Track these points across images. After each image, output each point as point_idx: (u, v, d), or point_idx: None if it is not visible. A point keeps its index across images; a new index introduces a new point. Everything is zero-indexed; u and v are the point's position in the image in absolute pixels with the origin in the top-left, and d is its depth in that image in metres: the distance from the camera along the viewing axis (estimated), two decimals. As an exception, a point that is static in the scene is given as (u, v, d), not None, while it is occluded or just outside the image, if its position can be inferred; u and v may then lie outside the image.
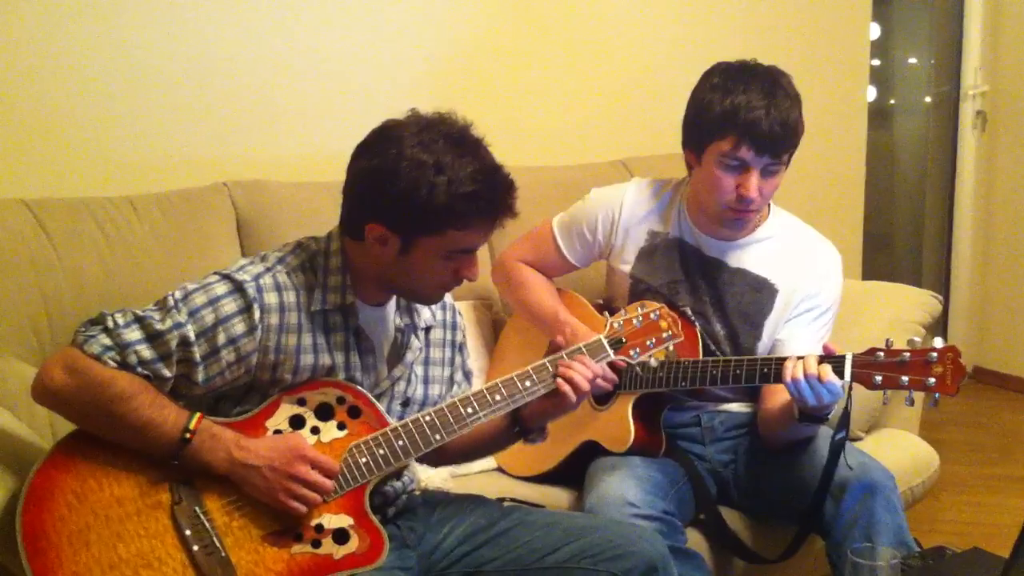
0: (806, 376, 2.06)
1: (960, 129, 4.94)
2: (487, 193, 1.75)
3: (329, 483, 1.75)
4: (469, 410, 1.86)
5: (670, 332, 2.02)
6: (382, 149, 1.77)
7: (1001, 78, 4.82)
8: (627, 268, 2.45)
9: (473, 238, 1.80)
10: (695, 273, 2.40)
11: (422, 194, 1.72)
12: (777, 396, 2.24)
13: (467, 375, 2.10)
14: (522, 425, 1.99)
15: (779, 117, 2.18)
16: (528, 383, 1.89)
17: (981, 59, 4.83)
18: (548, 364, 1.92)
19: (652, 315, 2.02)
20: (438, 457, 2.03)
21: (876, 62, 4.74)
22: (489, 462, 2.54)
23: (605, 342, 1.98)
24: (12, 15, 2.49)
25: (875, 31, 4.54)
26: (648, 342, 2.01)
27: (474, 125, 1.83)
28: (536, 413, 1.96)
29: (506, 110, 3.27)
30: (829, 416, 2.20)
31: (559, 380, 1.89)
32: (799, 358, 2.09)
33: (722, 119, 2.20)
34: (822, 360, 2.08)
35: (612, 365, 2.25)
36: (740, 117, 2.18)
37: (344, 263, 1.86)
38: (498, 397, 1.88)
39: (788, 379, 2.07)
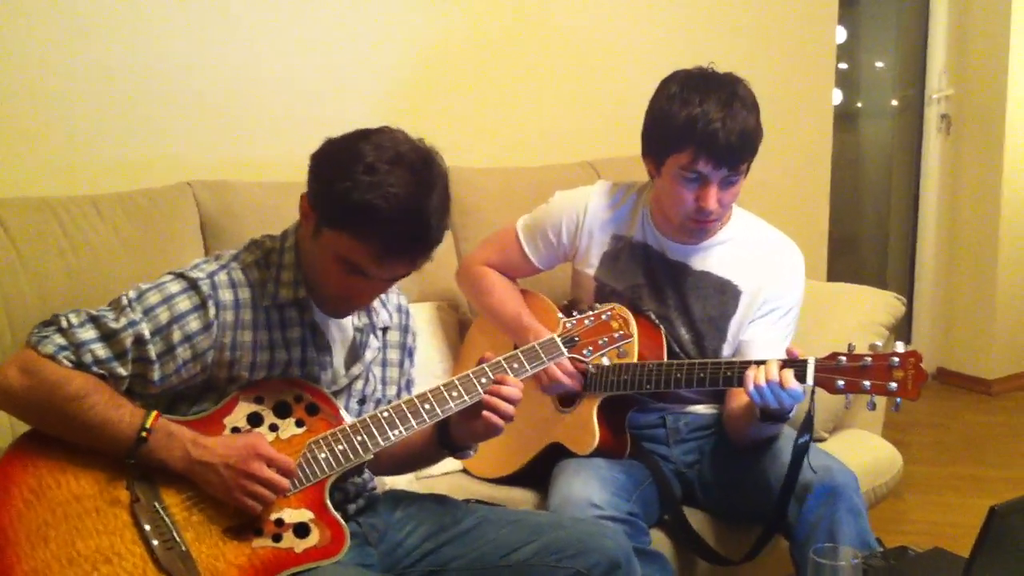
0: (768, 382, 2.07)
1: (925, 132, 4.98)
2: (390, 218, 1.70)
3: (285, 481, 1.75)
4: (427, 406, 1.86)
5: (621, 332, 2.05)
6: (351, 136, 1.78)
7: (966, 82, 4.87)
8: (592, 271, 2.46)
9: (361, 255, 1.73)
10: (659, 277, 2.41)
11: (339, 183, 1.71)
12: (740, 396, 2.25)
13: (409, 384, 2.10)
14: (450, 444, 1.98)
15: (736, 128, 2.17)
16: (484, 380, 1.90)
17: (946, 63, 4.87)
18: (472, 378, 1.91)
19: (604, 315, 2.05)
20: (372, 466, 2.01)
21: (843, 65, 4.77)
22: (454, 464, 2.54)
23: (559, 340, 2.00)
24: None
25: (841, 35, 4.56)
26: (600, 341, 2.04)
27: (447, 174, 1.80)
28: (466, 434, 1.95)
29: (473, 111, 3.27)
30: (791, 415, 2.21)
31: (484, 411, 1.88)
32: (760, 363, 2.11)
33: (679, 133, 2.20)
34: (784, 365, 2.09)
35: (577, 368, 2.28)
36: (697, 131, 2.17)
37: (298, 259, 1.85)
38: (454, 394, 1.88)
39: (750, 386, 2.09)
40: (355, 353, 1.95)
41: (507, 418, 1.89)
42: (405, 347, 2.07)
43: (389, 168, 1.71)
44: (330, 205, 1.74)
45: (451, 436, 1.97)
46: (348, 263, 1.75)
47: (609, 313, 2.05)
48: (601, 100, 3.52)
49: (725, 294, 2.38)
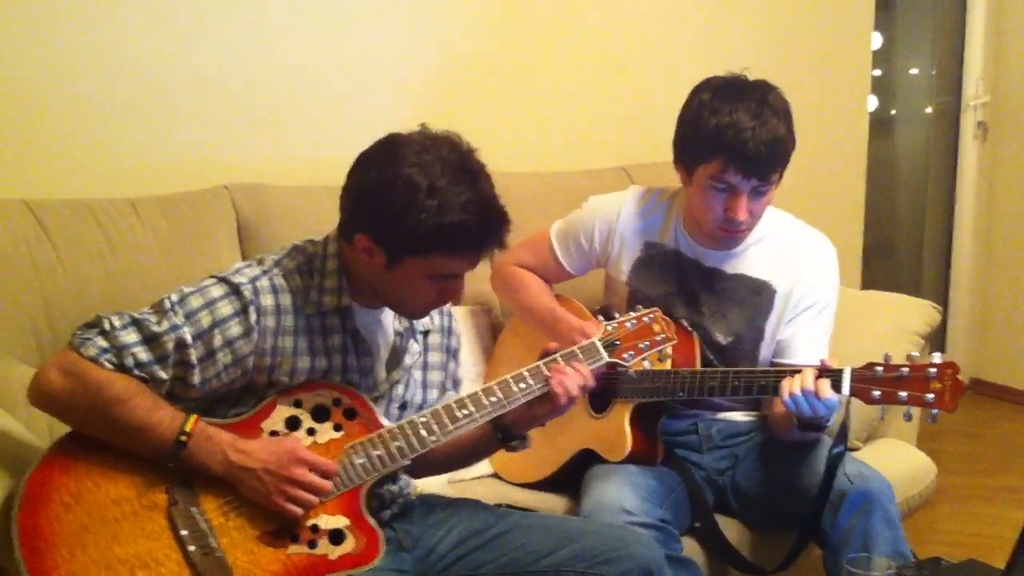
0: (803, 391, 2.06)
1: (961, 139, 4.95)
2: (476, 224, 1.74)
3: (327, 484, 1.75)
4: (464, 411, 1.86)
5: (664, 335, 2.03)
6: (380, 163, 1.77)
7: (1002, 89, 4.83)
8: (624, 277, 2.46)
9: (458, 265, 1.79)
10: (693, 284, 2.40)
11: (411, 215, 1.71)
12: (779, 403, 2.24)
13: (456, 383, 2.10)
14: (505, 432, 1.98)
15: (766, 138, 2.15)
16: (522, 385, 1.89)
17: (983, 70, 4.83)
18: (542, 366, 1.92)
19: (646, 318, 2.03)
20: (420, 468, 2.01)
21: (877, 72, 4.74)
22: (486, 468, 2.54)
23: (599, 344, 1.99)
24: (14, 16, 2.49)
25: (877, 41, 4.54)
26: (641, 345, 2.01)
27: (478, 151, 1.81)
28: (521, 420, 1.95)
29: (508, 116, 3.27)
30: (829, 424, 2.20)
31: (552, 382, 1.89)
32: (795, 373, 2.10)
33: (709, 142, 2.19)
34: (820, 375, 2.08)
35: (612, 373, 2.28)
36: (727, 141, 2.16)
37: (340, 266, 1.86)
38: (492, 398, 1.88)
39: (785, 396, 2.08)
40: (396, 358, 1.95)
41: (571, 394, 1.89)
42: (448, 349, 2.07)
43: (446, 181, 1.72)
44: (409, 238, 1.74)
45: (506, 426, 1.97)
46: (443, 275, 1.80)
47: (652, 316, 2.03)
48: (635, 105, 3.52)
49: (761, 295, 2.37)
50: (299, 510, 1.74)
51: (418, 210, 1.71)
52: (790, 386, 2.08)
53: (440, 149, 1.76)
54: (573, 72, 3.41)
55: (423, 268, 1.78)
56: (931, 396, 1.99)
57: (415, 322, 1.99)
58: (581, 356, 1.96)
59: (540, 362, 1.93)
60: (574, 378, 1.90)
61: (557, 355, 1.93)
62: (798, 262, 2.38)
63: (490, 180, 1.80)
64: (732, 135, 2.16)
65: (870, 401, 2.05)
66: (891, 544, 2.15)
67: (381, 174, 1.75)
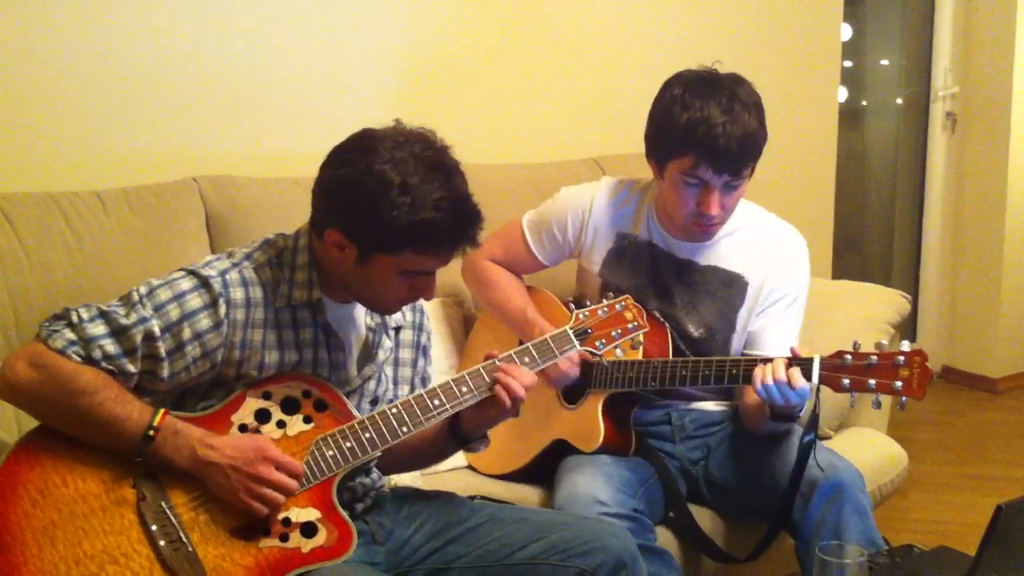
0: (775, 380, 2.07)
1: (930, 130, 4.97)
2: (449, 222, 1.73)
3: (293, 483, 1.74)
4: (436, 402, 1.86)
5: (636, 323, 2.03)
6: (353, 159, 1.75)
7: (971, 80, 4.86)
8: (596, 268, 2.46)
9: (430, 262, 1.79)
10: (665, 275, 2.40)
11: (382, 213, 1.70)
12: (751, 393, 2.25)
13: (425, 381, 2.09)
14: (461, 436, 1.98)
15: (737, 134, 2.15)
16: (494, 375, 1.89)
17: (951, 61, 4.86)
18: (515, 355, 1.92)
19: (617, 306, 2.03)
20: (380, 465, 2.01)
21: (848, 63, 4.77)
22: (459, 460, 2.54)
23: (571, 333, 1.98)
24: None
25: (847, 32, 4.56)
26: (613, 333, 2.01)
27: (453, 148, 1.81)
28: (475, 422, 1.95)
29: (479, 107, 3.27)
30: (800, 414, 2.21)
31: (497, 387, 1.88)
32: (766, 361, 2.11)
33: (680, 138, 2.19)
34: (790, 363, 2.09)
35: (583, 362, 2.28)
36: (698, 137, 2.16)
37: (311, 259, 1.85)
38: (464, 389, 1.87)
39: (758, 384, 2.09)
40: (368, 353, 1.95)
41: (517, 398, 1.88)
42: (419, 346, 2.07)
43: (419, 179, 1.71)
44: (381, 235, 1.73)
45: (462, 428, 1.96)
46: (414, 272, 1.79)
47: (623, 303, 2.03)
48: (606, 97, 3.52)
49: (732, 287, 2.38)
50: (263, 508, 1.73)
51: (390, 207, 1.70)
52: (762, 375, 2.08)
53: (414, 146, 1.75)
54: (544, 64, 3.41)
55: (395, 265, 1.77)
56: (899, 384, 2.01)
57: (388, 318, 1.98)
58: (553, 346, 1.96)
59: (512, 352, 1.93)
60: (520, 379, 1.89)
61: (497, 359, 1.92)
62: (770, 255, 2.39)
63: (463, 178, 1.79)
64: (703, 131, 2.15)
65: (839, 389, 2.06)
66: (862, 533, 2.17)
67: (354, 169, 1.74)
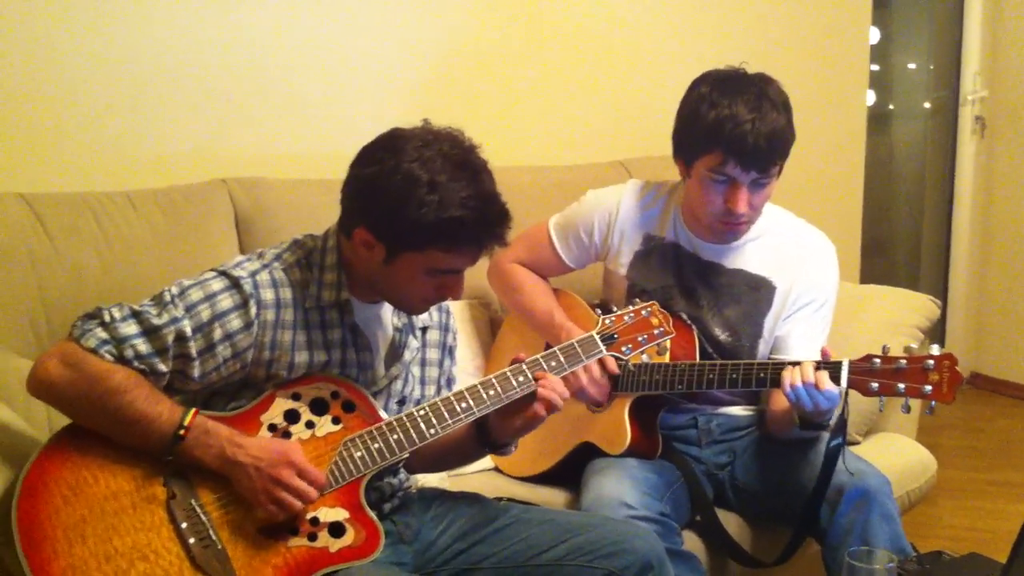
0: (804, 383, 2.06)
1: (959, 134, 4.95)
2: (476, 220, 1.73)
3: (312, 492, 1.73)
4: (463, 404, 1.86)
5: (662, 328, 2.02)
6: (381, 157, 1.76)
7: (1000, 84, 4.83)
8: (623, 271, 2.45)
9: (458, 261, 1.79)
10: (692, 278, 2.40)
11: (410, 210, 1.71)
12: (779, 400, 2.24)
13: (450, 382, 2.09)
14: (488, 440, 1.98)
15: (766, 131, 2.15)
16: (521, 378, 1.89)
17: (980, 64, 4.83)
18: (542, 360, 1.92)
19: (643, 312, 2.02)
20: (407, 465, 2.01)
21: (875, 67, 4.74)
22: (486, 462, 2.54)
23: (597, 338, 1.98)
24: (11, 9, 2.48)
25: (875, 35, 4.54)
26: (640, 338, 2.01)
27: (481, 147, 1.81)
28: (503, 430, 1.94)
29: (505, 109, 3.27)
30: (830, 422, 2.20)
31: (535, 404, 1.87)
32: (795, 364, 2.10)
33: (708, 135, 2.19)
34: (819, 366, 2.08)
35: (607, 365, 2.27)
36: (726, 133, 2.16)
37: (339, 260, 1.85)
38: (491, 392, 1.87)
39: (787, 387, 2.08)
40: (395, 353, 1.95)
41: (552, 410, 1.89)
42: (445, 346, 2.07)
43: (447, 177, 1.72)
44: (408, 233, 1.74)
45: (490, 434, 1.96)
46: (442, 271, 1.79)
47: (649, 309, 2.03)
48: (632, 100, 3.52)
49: (759, 291, 2.37)
50: (279, 512, 1.72)
51: (417, 205, 1.71)
52: (791, 378, 2.08)
53: (442, 145, 1.76)
54: (570, 66, 3.41)
55: (422, 263, 1.77)
56: (929, 388, 1.99)
57: (414, 318, 1.98)
58: (579, 351, 1.96)
59: (539, 356, 1.93)
60: (560, 390, 1.89)
61: (522, 363, 1.91)
62: (798, 259, 2.38)
63: (491, 177, 1.79)
64: (731, 127, 2.15)
65: (868, 393, 2.05)
66: (890, 539, 2.15)
67: (382, 168, 1.75)
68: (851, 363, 2.07)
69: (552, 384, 1.88)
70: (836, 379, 2.07)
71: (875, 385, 2.04)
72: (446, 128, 1.81)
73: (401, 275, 1.80)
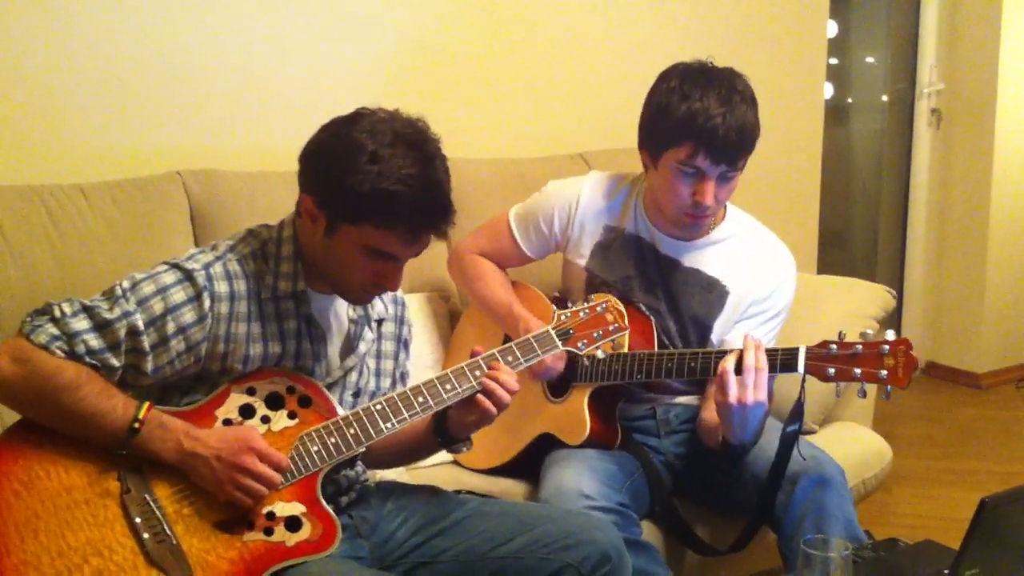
0: (756, 368, 2.08)
1: (916, 127, 5.00)
2: (411, 199, 1.71)
3: (277, 476, 1.74)
4: (420, 398, 1.85)
5: (616, 324, 2.03)
6: (335, 127, 1.77)
7: (956, 77, 4.88)
8: (583, 262, 2.46)
9: (391, 242, 1.75)
10: (650, 270, 2.41)
11: (349, 178, 1.70)
12: (712, 413, 2.26)
13: (403, 376, 2.09)
14: (446, 436, 1.97)
15: (736, 124, 2.17)
16: (477, 373, 1.89)
17: (936, 58, 4.88)
18: (498, 354, 1.92)
19: (599, 308, 2.03)
20: (363, 460, 2.01)
21: (833, 60, 4.78)
22: (445, 454, 2.53)
23: (553, 333, 1.99)
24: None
25: (832, 29, 4.57)
26: (595, 334, 2.01)
27: (442, 141, 1.80)
28: (460, 421, 1.93)
29: (466, 102, 3.26)
30: (747, 450, 2.24)
31: (479, 396, 1.86)
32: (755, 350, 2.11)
33: (679, 127, 2.19)
34: (776, 354, 2.10)
35: (569, 358, 2.28)
36: (697, 125, 2.16)
37: (295, 251, 1.84)
38: (448, 386, 1.87)
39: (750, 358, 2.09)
40: (350, 345, 1.94)
41: (501, 406, 1.88)
42: (400, 339, 2.06)
43: (392, 151, 1.71)
44: (344, 202, 1.72)
45: (448, 428, 1.96)
46: (375, 251, 1.76)
47: (604, 305, 2.03)
48: (592, 93, 3.52)
49: (712, 293, 2.38)
50: (248, 500, 1.72)
51: (355, 172, 1.70)
52: (746, 358, 2.09)
53: (396, 123, 1.76)
54: (531, 59, 3.40)
55: (357, 238, 1.75)
56: (884, 372, 2.02)
57: (370, 310, 1.98)
58: (536, 346, 1.96)
59: (494, 350, 1.93)
60: (505, 382, 1.87)
61: (479, 358, 1.90)
62: (755, 267, 2.39)
63: (445, 169, 1.78)
64: (703, 120, 2.16)
65: (825, 378, 2.07)
66: (845, 526, 2.17)
67: (332, 135, 1.76)
68: (808, 349, 2.09)
69: (495, 375, 1.87)
70: (793, 365, 2.09)
71: (832, 371, 2.06)
72: (413, 116, 1.80)
73: (339, 252, 1.78)
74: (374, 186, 1.69)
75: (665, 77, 2.29)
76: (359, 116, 1.77)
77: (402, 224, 1.73)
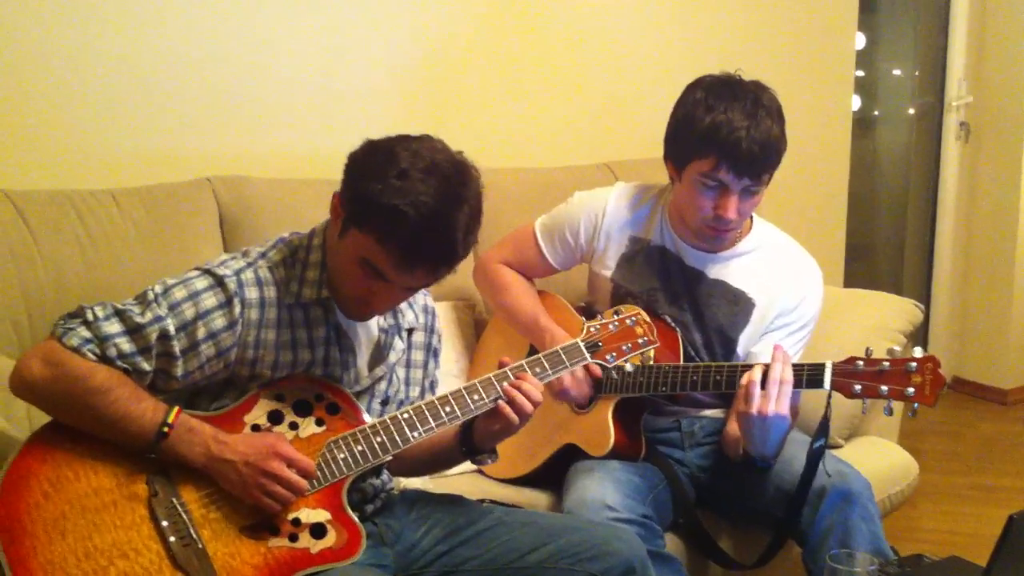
0: (782, 381, 2.07)
1: (943, 140, 4.96)
2: (416, 224, 1.68)
3: (304, 482, 1.74)
4: (447, 408, 1.85)
5: (646, 338, 2.02)
6: (392, 139, 1.77)
7: (985, 89, 4.85)
8: (608, 273, 2.45)
9: (384, 260, 1.72)
10: (675, 282, 2.40)
11: (372, 185, 1.70)
12: (733, 425, 2.25)
13: (433, 384, 2.09)
14: (471, 447, 1.97)
15: (760, 138, 2.15)
16: (505, 383, 1.88)
17: (965, 70, 4.85)
18: (526, 365, 1.92)
19: (628, 321, 2.03)
20: (390, 467, 2.01)
21: (861, 72, 4.76)
22: (469, 463, 2.53)
23: (582, 346, 1.98)
24: (-5, 8, 2.48)
25: (860, 41, 4.55)
26: (624, 347, 2.01)
27: (481, 189, 1.78)
28: (486, 432, 1.93)
29: (491, 111, 3.27)
30: (771, 465, 2.24)
31: (500, 402, 1.86)
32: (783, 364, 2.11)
33: (702, 139, 2.19)
34: (803, 370, 2.10)
35: (591, 369, 2.27)
36: (721, 138, 2.16)
37: (323, 258, 1.85)
38: (476, 396, 1.87)
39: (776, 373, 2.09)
40: (379, 354, 1.95)
41: (523, 415, 1.87)
42: (430, 348, 2.07)
43: (422, 176, 1.70)
44: (358, 205, 1.73)
45: (472, 439, 1.96)
46: (369, 266, 1.74)
47: (634, 318, 2.03)
48: (619, 102, 3.52)
49: (738, 305, 2.37)
50: (276, 505, 1.73)
51: (380, 182, 1.69)
52: (772, 373, 2.08)
53: (441, 154, 1.75)
54: (557, 68, 3.41)
55: (357, 246, 1.73)
56: (911, 390, 2.00)
57: (400, 319, 1.98)
58: (564, 358, 1.96)
59: (523, 361, 1.93)
60: (527, 392, 1.87)
61: (507, 368, 1.90)
62: (782, 279, 2.39)
63: (468, 218, 1.75)
64: (726, 133, 2.15)
65: (851, 395, 2.06)
66: (871, 542, 2.16)
67: (381, 147, 1.76)
68: (834, 365, 2.08)
69: (518, 384, 1.87)
70: (819, 382, 2.08)
71: (858, 387, 2.05)
72: (465, 159, 1.79)
73: (342, 255, 1.78)
74: (389, 200, 1.68)
75: (692, 88, 2.28)
76: (419, 138, 1.77)
77: (398, 246, 1.70)
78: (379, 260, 1.73)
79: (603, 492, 2.17)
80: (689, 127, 2.22)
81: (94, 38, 2.60)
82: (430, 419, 1.84)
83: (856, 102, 4.58)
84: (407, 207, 1.68)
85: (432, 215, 1.69)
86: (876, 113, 5.30)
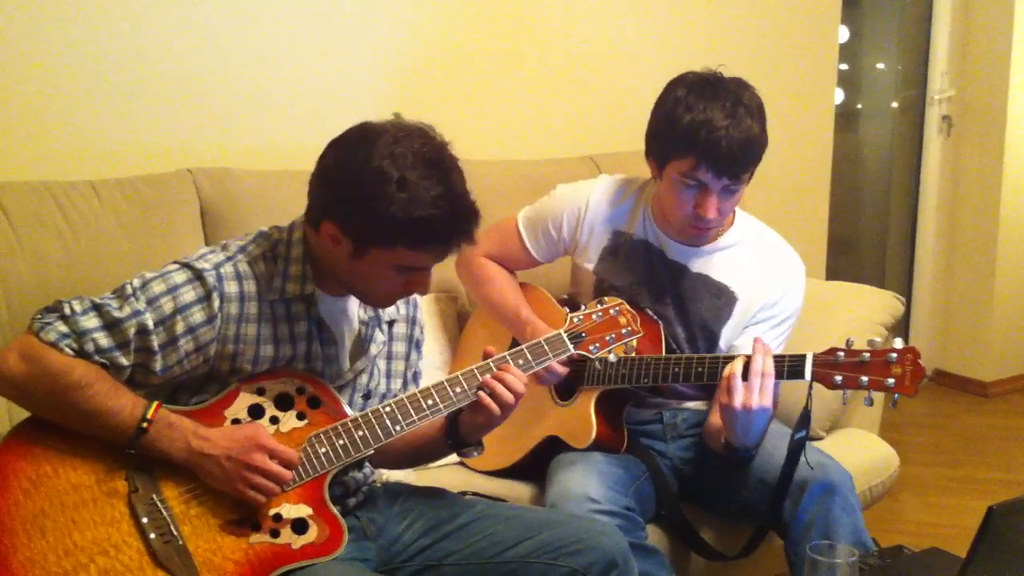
0: (763, 374, 2.07)
1: (926, 133, 4.98)
2: (445, 219, 1.72)
3: (288, 473, 1.74)
4: (430, 402, 1.85)
5: (629, 328, 2.02)
6: (351, 152, 1.74)
7: (967, 83, 4.87)
8: (591, 266, 2.45)
9: (425, 259, 1.77)
10: (659, 276, 2.40)
11: (379, 207, 1.69)
12: (718, 414, 2.26)
13: (416, 376, 2.09)
14: (457, 439, 1.97)
15: (739, 138, 2.15)
16: (488, 375, 1.88)
17: (948, 64, 4.87)
18: (509, 357, 1.91)
19: (612, 311, 2.02)
20: (373, 460, 2.00)
21: (844, 66, 4.76)
22: (452, 456, 2.53)
23: (565, 336, 1.98)
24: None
25: (844, 35, 4.56)
26: (607, 337, 2.01)
27: (451, 145, 1.79)
28: (471, 424, 1.93)
29: (476, 103, 3.26)
30: (752, 455, 2.24)
31: (480, 393, 1.86)
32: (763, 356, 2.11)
33: (682, 139, 2.18)
34: (783, 361, 2.10)
35: (574, 360, 2.27)
36: (700, 138, 2.15)
37: (305, 253, 1.84)
38: (458, 389, 1.87)
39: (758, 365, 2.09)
40: (361, 347, 1.94)
41: (505, 406, 1.87)
42: (412, 339, 2.06)
43: (417, 175, 1.70)
44: (376, 228, 1.72)
45: (458, 431, 1.96)
46: (409, 268, 1.77)
47: (617, 309, 2.03)
48: (603, 95, 3.52)
49: (721, 299, 2.38)
50: (260, 498, 1.72)
51: (387, 202, 1.69)
52: (754, 364, 2.09)
53: (413, 141, 1.74)
54: (542, 61, 3.40)
55: (389, 259, 1.76)
56: (892, 381, 2.01)
57: (381, 311, 1.98)
58: (547, 349, 1.95)
59: (506, 353, 1.92)
60: (510, 385, 1.87)
61: (489, 360, 1.90)
62: (764, 273, 2.39)
63: (462, 175, 1.77)
64: (706, 133, 2.15)
65: (832, 386, 2.07)
66: (852, 533, 2.17)
67: (352, 163, 1.73)
68: (815, 356, 2.08)
69: (500, 375, 1.87)
70: (800, 373, 2.08)
71: (839, 378, 2.06)
72: (417, 123, 1.79)
73: (368, 270, 1.78)
74: (408, 214, 1.69)
75: (672, 86, 2.28)
76: (372, 137, 1.74)
77: (437, 242, 1.75)
78: (419, 261, 1.77)
79: (585, 484, 2.17)
80: (669, 126, 2.22)
81: (74, 29, 2.58)
82: (412, 413, 1.84)
83: (839, 95, 4.58)
84: (428, 210, 1.70)
85: (449, 201, 1.72)
86: (859, 107, 5.31)
